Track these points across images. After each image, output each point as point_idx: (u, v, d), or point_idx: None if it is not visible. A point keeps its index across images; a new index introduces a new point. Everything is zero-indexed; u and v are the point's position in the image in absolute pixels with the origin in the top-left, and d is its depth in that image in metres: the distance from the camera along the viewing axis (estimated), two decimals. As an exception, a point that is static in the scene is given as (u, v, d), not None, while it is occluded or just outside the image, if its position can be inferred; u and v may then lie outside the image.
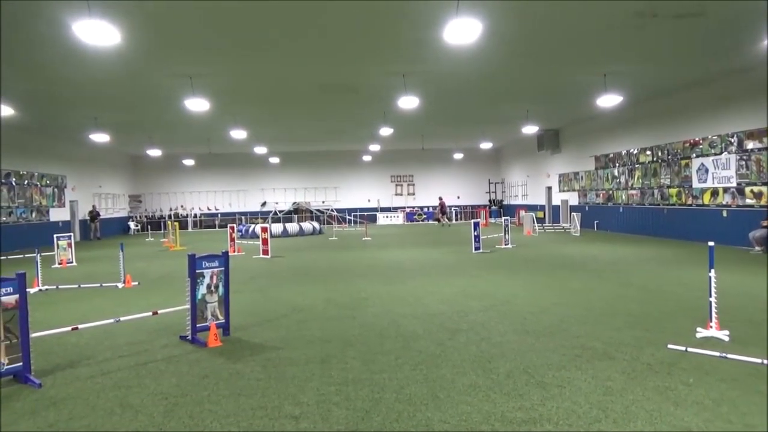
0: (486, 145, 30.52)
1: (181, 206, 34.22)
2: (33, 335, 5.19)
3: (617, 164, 20.69)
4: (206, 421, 4.00)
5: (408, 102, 15.15)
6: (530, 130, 22.77)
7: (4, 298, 4.92)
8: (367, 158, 34.48)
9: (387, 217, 34.08)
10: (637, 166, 19.37)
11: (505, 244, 16.35)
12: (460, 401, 4.23)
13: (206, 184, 34.56)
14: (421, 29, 9.95)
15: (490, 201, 35.44)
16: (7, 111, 14.25)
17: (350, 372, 5.00)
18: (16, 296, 5.01)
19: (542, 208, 27.91)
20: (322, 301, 8.51)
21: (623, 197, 20.37)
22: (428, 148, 32.68)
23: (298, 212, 32.35)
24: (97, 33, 8.10)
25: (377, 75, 13.43)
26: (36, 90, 13.93)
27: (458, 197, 35.92)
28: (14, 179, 20.98)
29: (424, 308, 7.76)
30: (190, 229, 32.31)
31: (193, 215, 33.87)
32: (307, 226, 26.04)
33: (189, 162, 32.72)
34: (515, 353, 5.44)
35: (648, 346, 5.56)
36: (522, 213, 25.57)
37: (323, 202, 34.95)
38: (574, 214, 21.56)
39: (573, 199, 24.54)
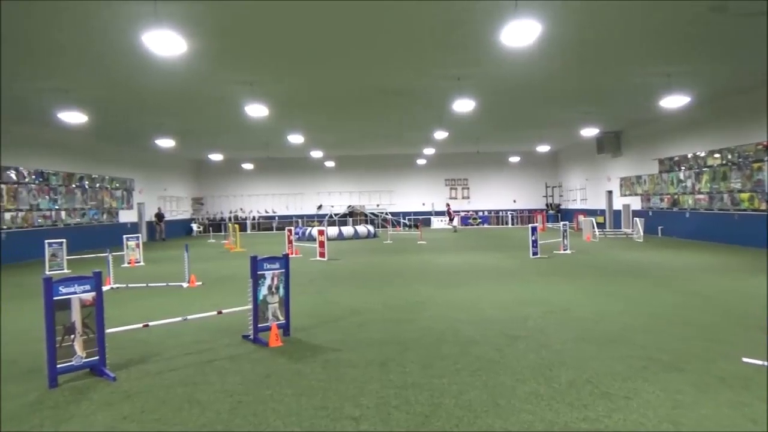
0: (543, 148, 29.92)
1: (241, 209, 35.21)
2: (108, 331, 5.47)
3: (683, 167, 19.83)
4: (270, 420, 4.11)
5: (463, 105, 15.05)
6: (590, 132, 22.18)
7: (82, 295, 5.21)
8: (421, 162, 34.46)
9: (442, 221, 33.90)
10: (704, 169, 18.50)
11: (564, 250, 15.97)
12: (522, 409, 4.17)
13: (264, 187, 35.43)
14: (478, 32, 9.88)
15: (547, 205, 34.69)
16: (80, 118, 15.09)
17: (409, 376, 5.02)
18: (93, 293, 5.30)
19: (602, 212, 27.08)
20: (380, 305, 8.57)
21: (690, 202, 19.49)
22: (483, 152, 32.33)
23: (353, 215, 32.69)
24: (165, 43, 8.48)
25: (433, 78, 13.41)
26: (107, 98, 14.68)
27: (514, 201, 35.35)
28: (87, 182, 22.19)
29: (482, 314, 7.69)
30: (248, 231, 33.18)
31: (251, 218, 34.78)
32: (362, 229, 26.26)
33: (248, 166, 33.69)
34: (577, 362, 5.31)
35: (720, 358, 5.30)
36: (581, 218, 24.88)
37: (378, 205, 35.15)
38: (637, 219, 20.79)
39: (635, 203, 23.69)
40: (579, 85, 14.74)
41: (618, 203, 25.55)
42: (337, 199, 35.38)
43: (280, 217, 34.98)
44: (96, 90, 13.65)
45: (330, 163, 34.58)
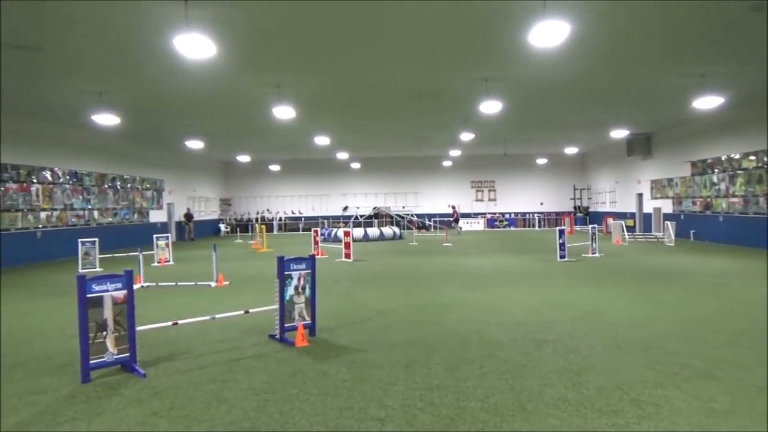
0: (571, 150, 29.53)
1: (267, 210, 35.57)
2: (138, 328, 5.58)
3: (716, 170, 19.35)
4: (295, 419, 4.14)
5: (490, 107, 14.94)
6: (619, 134, 21.78)
7: (114, 293, 5.33)
8: (447, 164, 34.33)
9: (467, 222, 33.72)
10: (739, 172, 18.02)
11: (593, 253, 15.72)
12: (549, 414, 4.11)
13: (290, 188, 35.73)
14: (506, 33, 9.81)
15: (575, 208, 34.21)
16: (112, 120, 15.45)
17: (434, 378, 5.00)
18: (125, 291, 5.41)
19: (632, 216, 26.59)
20: (405, 306, 8.55)
21: (723, 205, 19.00)
22: (510, 154, 32.07)
23: (379, 217, 32.73)
24: (195, 46, 8.62)
25: (460, 80, 13.35)
26: (138, 100, 14.99)
27: (541, 203, 34.95)
28: (119, 183, 22.69)
29: (509, 317, 7.61)
30: (275, 232, 33.49)
31: (278, 219, 35.10)
32: (387, 230, 26.28)
33: (275, 168, 34.03)
34: (606, 367, 5.22)
35: (755, 366, 5.16)
36: (610, 221, 24.48)
37: (403, 207, 35.13)
38: (668, 222, 20.36)
39: (666, 206, 23.20)
40: (609, 86, 14.50)
41: (648, 206, 25.06)
42: (362, 200, 35.47)
43: (306, 218, 35.22)
44: (128, 92, 13.94)
45: (356, 165, 34.72)
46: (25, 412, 4.39)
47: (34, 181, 17.56)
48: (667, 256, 15.62)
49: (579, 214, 33.26)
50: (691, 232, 20.92)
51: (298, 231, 34.07)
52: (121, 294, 5.37)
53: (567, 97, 15.83)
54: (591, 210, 33.15)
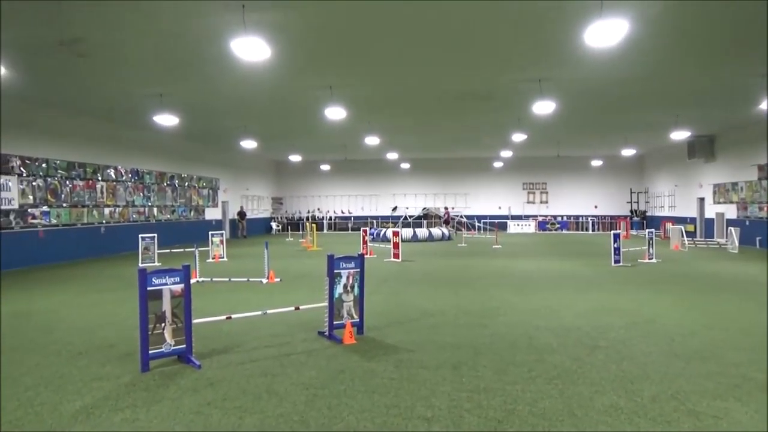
0: (628, 152, 28.60)
1: (318, 209, 36.10)
2: (194, 321, 5.79)
3: (786, 174, 18.33)
4: (343, 414, 4.20)
5: (544, 107, 14.66)
6: (680, 136, 20.96)
7: (172, 287, 5.55)
8: (498, 165, 33.91)
9: (518, 225, 33.21)
10: (812, 176, 17.01)
11: (649, 259, 15.19)
12: (600, 421, 4.02)
13: (341, 188, 36.14)
14: (560, 33, 9.62)
15: (631, 212, 33.10)
16: (172, 120, 16.07)
17: (482, 380, 4.97)
18: (182, 285, 5.63)
19: (692, 220, 25.53)
20: (453, 308, 8.52)
21: (793, 211, 17.98)
22: (564, 155, 31.38)
23: (428, 218, 32.66)
24: (251, 49, 8.89)
25: (513, 81, 13.18)
26: (196, 102, 15.51)
27: (596, 207, 34.03)
28: (177, 181, 23.56)
29: (559, 321, 7.47)
30: (325, 231, 33.94)
31: (328, 218, 35.56)
32: (436, 231, 26.19)
33: (325, 167, 34.55)
34: (661, 376, 5.05)
35: (825, 381, 4.88)
36: (669, 225, 23.58)
37: (453, 208, 34.93)
38: (732, 228, 19.43)
39: (730, 212, 22.14)
40: (669, 86, 13.98)
41: (710, 211, 24.00)
42: (411, 201, 35.48)
43: (356, 217, 35.53)
44: (187, 94, 14.46)
45: (405, 165, 34.78)
46: (89, 397, 4.64)
47: (99, 178, 18.45)
48: (729, 263, 14.92)
49: (635, 218, 32.19)
50: (757, 239, 19.89)
51: (348, 230, 34.40)
52: (178, 288, 5.59)
53: (624, 98, 15.36)
54: (648, 214, 32.02)
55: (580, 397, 4.54)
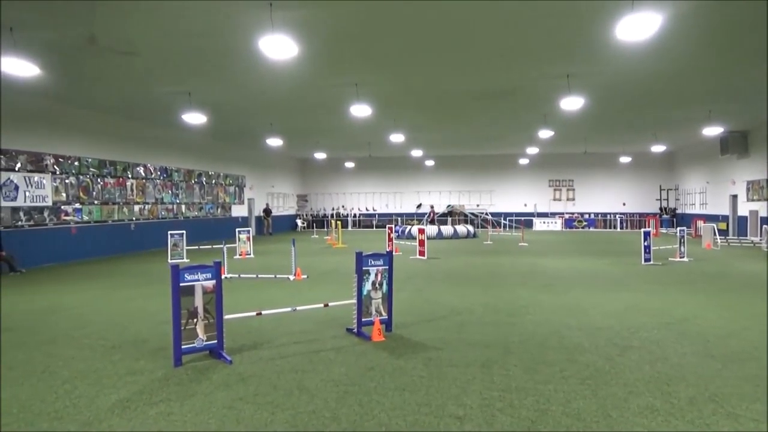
0: (658, 149, 28.02)
1: (342, 206, 36.23)
2: (225, 317, 5.85)
3: (825, 170, 17.75)
4: (374, 411, 4.20)
5: (571, 103, 14.45)
6: (712, 131, 20.42)
7: (204, 283, 5.62)
8: (523, 161, 33.56)
9: (544, 222, 32.84)
10: None
11: (681, 257, 14.88)
12: (636, 423, 3.95)
13: (365, 185, 36.20)
14: (590, 27, 9.45)
15: (660, 209, 32.47)
16: (200, 119, 16.28)
17: (513, 380, 4.92)
18: (213, 281, 5.69)
19: (725, 218, 24.91)
20: (480, 306, 8.46)
21: (832, 209, 17.41)
22: (591, 152, 30.91)
23: (453, 215, 32.52)
24: (278, 47, 8.93)
25: (539, 77, 13.01)
26: (223, 100, 15.67)
27: (624, 204, 33.46)
28: (204, 179, 23.86)
29: (589, 320, 7.36)
30: (349, 228, 34.05)
31: (352, 215, 35.66)
32: (461, 229, 26.05)
33: (350, 165, 34.65)
34: (698, 378, 4.94)
35: None
36: (700, 223, 23.06)
37: (477, 205, 34.72)
38: (766, 227, 18.91)
39: (764, 210, 21.55)
40: (702, 81, 13.64)
41: (744, 209, 23.38)
42: (436, 198, 35.36)
43: (380, 215, 35.56)
44: (215, 92, 14.61)
45: (430, 162, 34.68)
46: (125, 391, 4.73)
47: (129, 176, 18.78)
48: (763, 262, 14.52)
49: (665, 216, 31.56)
50: (793, 237, 19.32)
51: (372, 228, 34.45)
52: (210, 284, 5.65)
53: (655, 93, 15.05)
54: (679, 211, 31.37)
55: (615, 397, 4.46)
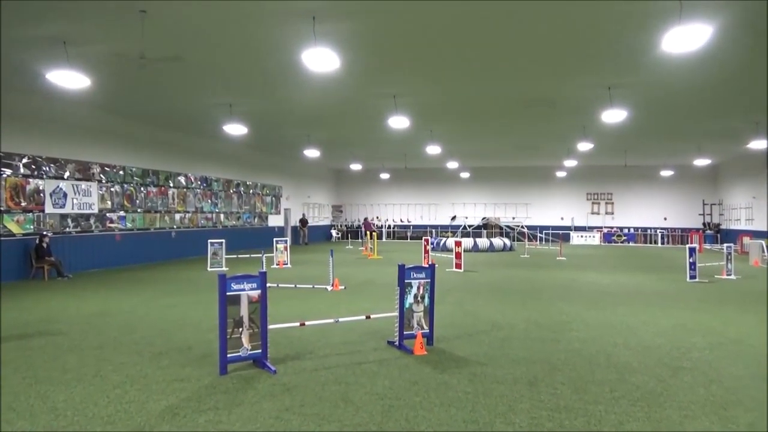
0: (701, 162, 27.26)
1: (377, 217, 36.31)
2: (269, 327, 5.89)
3: None
4: (421, 426, 4.16)
5: (614, 116, 14.18)
6: (759, 144, 19.77)
7: (250, 292, 5.68)
8: (561, 174, 33.06)
9: (581, 236, 32.25)
10: None
11: (727, 274, 14.38)
12: (695, 448, 3.80)
13: (400, 197, 36.24)
14: (633, 37, 9.28)
15: (704, 224, 31.51)
16: (240, 130, 16.58)
17: (561, 399, 4.81)
18: (259, 291, 5.75)
19: (773, 235, 24.00)
20: (522, 321, 8.33)
21: None
22: (631, 164, 30.27)
23: (488, 227, 32.23)
24: (320, 60, 9.04)
25: (580, 88, 12.83)
26: (263, 111, 15.95)
27: (665, 219, 32.61)
28: (242, 188, 24.27)
29: (637, 339, 7.15)
30: (384, 239, 34.07)
31: (387, 226, 35.70)
32: (497, 241, 25.79)
33: (385, 176, 34.74)
34: (757, 403, 4.73)
35: None
36: (746, 239, 22.27)
37: (513, 218, 34.34)
38: (819, 244, 18.14)
39: (816, 226, 20.68)
40: (748, 92, 13.22)
41: (794, 225, 22.49)
42: (471, 210, 35.14)
43: (415, 226, 35.51)
44: (255, 104, 14.89)
45: (465, 174, 34.51)
46: (174, 397, 4.80)
47: (171, 185, 19.24)
48: (818, 281, 13.90)
49: (709, 232, 30.60)
50: None
51: (406, 239, 34.41)
52: (255, 293, 5.72)
53: (699, 104, 14.68)
54: (723, 227, 30.38)
55: (669, 421, 4.31)
